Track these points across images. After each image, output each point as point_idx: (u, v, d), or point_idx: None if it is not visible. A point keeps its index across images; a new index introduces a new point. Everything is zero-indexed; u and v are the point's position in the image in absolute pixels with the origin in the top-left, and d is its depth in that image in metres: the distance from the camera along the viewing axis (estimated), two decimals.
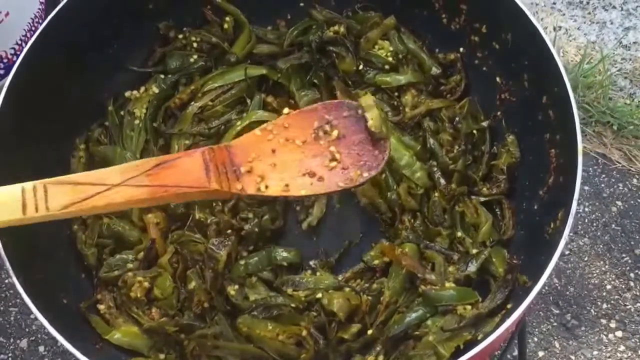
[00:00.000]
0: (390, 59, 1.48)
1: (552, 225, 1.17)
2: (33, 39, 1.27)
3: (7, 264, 1.11)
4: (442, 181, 1.37)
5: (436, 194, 1.37)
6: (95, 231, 1.34)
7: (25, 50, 1.25)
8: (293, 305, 1.27)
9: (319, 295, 1.29)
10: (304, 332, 1.24)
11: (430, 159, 1.41)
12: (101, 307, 1.28)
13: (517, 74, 1.33)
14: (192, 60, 1.50)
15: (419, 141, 1.43)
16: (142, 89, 1.48)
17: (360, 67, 1.50)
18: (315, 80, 1.50)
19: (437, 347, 1.18)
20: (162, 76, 1.49)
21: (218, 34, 1.52)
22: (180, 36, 1.51)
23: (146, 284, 1.28)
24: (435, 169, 1.39)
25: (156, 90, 1.48)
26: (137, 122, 1.45)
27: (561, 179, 1.21)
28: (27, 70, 1.25)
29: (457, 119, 1.43)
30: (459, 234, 1.34)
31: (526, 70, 1.31)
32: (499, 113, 1.41)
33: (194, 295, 1.28)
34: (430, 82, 1.48)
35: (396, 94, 1.48)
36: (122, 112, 1.45)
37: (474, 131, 1.42)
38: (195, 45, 1.51)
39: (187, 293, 1.30)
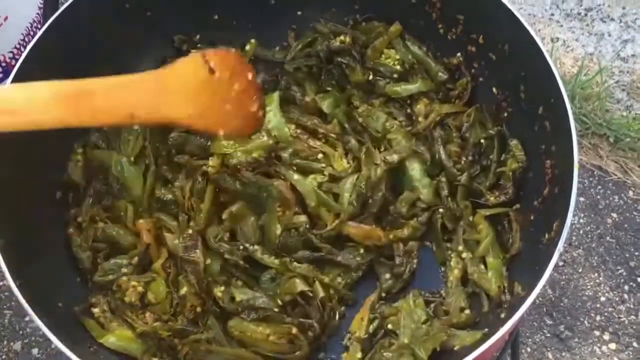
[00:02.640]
0: (398, 67, 1.47)
1: (546, 236, 1.16)
2: (32, 43, 1.27)
3: (4, 267, 1.11)
4: (449, 200, 1.36)
5: (440, 211, 1.36)
6: (90, 235, 1.34)
7: (24, 54, 1.26)
8: (276, 309, 1.27)
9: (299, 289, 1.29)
10: (294, 330, 1.25)
11: (439, 174, 1.39)
12: (95, 310, 1.27)
13: (514, 85, 1.33)
14: None
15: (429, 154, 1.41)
16: None
17: (370, 77, 1.49)
18: (329, 88, 1.51)
19: (414, 349, 1.18)
20: None
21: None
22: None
23: (140, 289, 1.29)
24: (443, 184, 1.37)
25: None
26: (136, 126, 1.44)
27: (556, 190, 1.20)
28: (25, 75, 1.25)
29: (464, 127, 1.41)
30: (460, 247, 1.33)
31: (523, 81, 1.31)
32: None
33: (186, 301, 1.29)
34: (440, 89, 1.46)
35: (408, 101, 1.48)
36: None
37: (482, 140, 1.40)
38: None
39: (179, 298, 1.30)
